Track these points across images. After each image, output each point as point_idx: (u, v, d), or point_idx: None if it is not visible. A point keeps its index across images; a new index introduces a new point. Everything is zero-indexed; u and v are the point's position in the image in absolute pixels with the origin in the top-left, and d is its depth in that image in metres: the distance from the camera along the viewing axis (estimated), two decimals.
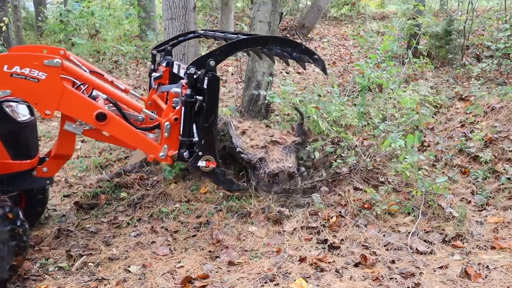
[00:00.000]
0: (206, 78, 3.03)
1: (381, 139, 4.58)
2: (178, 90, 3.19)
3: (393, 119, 5.10)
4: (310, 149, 4.41)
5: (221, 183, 3.41)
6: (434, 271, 3.02)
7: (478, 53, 8.12)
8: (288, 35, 11.60)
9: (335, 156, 4.40)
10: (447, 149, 4.86)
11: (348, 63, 9.13)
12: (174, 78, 3.86)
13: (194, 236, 3.72)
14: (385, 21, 12.96)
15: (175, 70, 3.85)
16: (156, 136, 3.36)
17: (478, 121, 5.16)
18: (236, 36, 3.48)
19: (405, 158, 3.93)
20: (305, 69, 4.04)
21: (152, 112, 3.67)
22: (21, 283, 3.09)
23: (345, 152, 4.41)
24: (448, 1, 11.76)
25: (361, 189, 4.13)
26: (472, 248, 3.33)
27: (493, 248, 3.30)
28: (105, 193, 4.44)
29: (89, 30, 10.35)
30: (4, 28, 8.77)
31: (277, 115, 5.87)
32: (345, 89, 6.79)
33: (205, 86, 3.05)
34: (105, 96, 3.34)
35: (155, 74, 3.96)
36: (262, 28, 5.32)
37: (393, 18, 9.39)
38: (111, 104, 3.29)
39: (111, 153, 5.62)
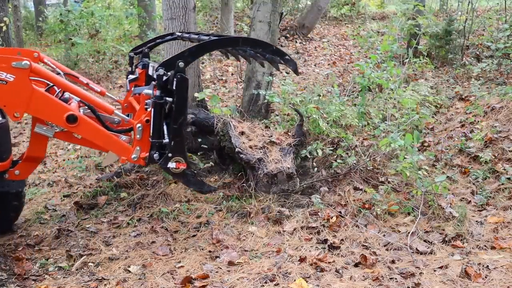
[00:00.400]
0: (175, 79, 3.02)
1: (381, 139, 4.58)
2: (150, 91, 3.18)
3: (393, 119, 5.10)
4: (311, 149, 4.41)
5: (192, 185, 3.38)
6: (434, 271, 3.01)
7: (478, 53, 8.12)
8: (288, 35, 11.60)
9: (335, 156, 4.40)
10: (447, 149, 4.86)
11: (348, 63, 9.13)
12: (150, 80, 3.85)
13: (194, 236, 3.72)
14: (385, 21, 12.96)
15: (150, 72, 3.84)
16: (129, 139, 3.35)
17: (478, 121, 5.16)
18: (208, 37, 3.47)
19: (405, 158, 3.93)
20: (278, 69, 4.03)
21: (128, 114, 3.68)
22: (21, 283, 3.09)
23: (345, 152, 4.41)
24: (448, 1, 11.76)
25: (361, 189, 4.13)
26: (472, 248, 3.33)
27: (493, 248, 3.30)
28: (105, 193, 4.44)
29: (89, 30, 10.34)
30: (4, 28, 8.76)
31: (277, 115, 5.87)
32: (345, 89, 6.79)
33: (174, 87, 3.04)
34: (78, 99, 3.30)
35: (131, 76, 3.96)
36: (262, 28, 5.33)
37: (393, 18, 9.39)
38: (86, 107, 3.27)
39: None
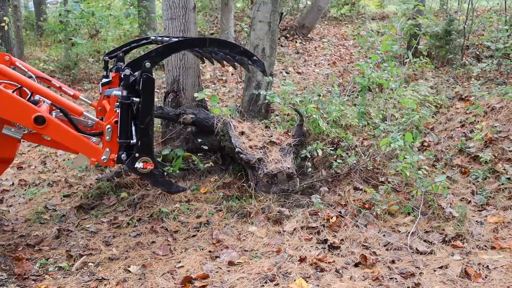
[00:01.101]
0: (141, 79, 3.02)
1: (381, 139, 4.58)
2: (119, 93, 3.18)
3: (393, 119, 5.10)
4: (311, 149, 4.41)
5: (160, 185, 3.36)
6: (434, 271, 3.01)
7: (478, 53, 8.12)
8: (288, 35, 11.61)
9: (335, 156, 4.40)
10: (447, 149, 4.86)
11: (348, 63, 9.14)
12: None
13: (194, 236, 3.72)
14: (385, 21, 12.96)
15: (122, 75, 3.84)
16: (99, 140, 3.33)
17: (478, 121, 5.16)
18: (176, 39, 3.46)
19: (405, 158, 3.93)
20: (248, 71, 4.04)
21: (102, 118, 3.68)
22: (21, 283, 3.09)
23: (345, 152, 4.41)
24: (448, 1, 11.76)
25: (361, 189, 4.13)
26: (472, 248, 3.33)
27: (493, 248, 3.30)
28: (105, 193, 4.44)
29: (89, 30, 10.35)
30: (6, 27, 8.76)
31: (277, 115, 5.87)
32: (345, 89, 6.79)
33: (140, 87, 3.04)
34: (50, 102, 3.29)
35: (104, 80, 3.96)
36: (262, 28, 5.33)
37: (392, 18, 9.39)
38: (59, 110, 3.26)
39: None
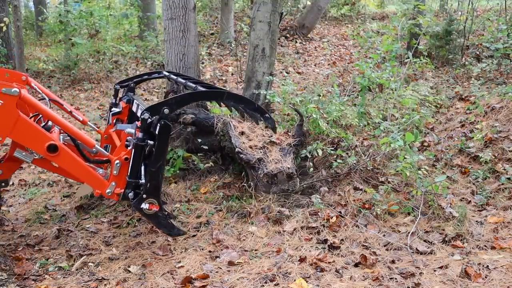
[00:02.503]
0: (158, 125, 3.13)
1: (381, 139, 4.58)
2: (132, 131, 3.28)
3: (393, 119, 5.10)
4: (311, 149, 4.41)
5: (162, 227, 3.43)
6: (434, 271, 3.02)
7: (478, 53, 8.12)
8: (288, 35, 11.61)
9: (335, 156, 4.40)
10: (447, 149, 4.86)
11: (348, 63, 9.14)
12: (133, 116, 3.97)
13: (194, 236, 3.72)
14: (385, 21, 12.96)
15: (133, 108, 3.92)
16: (105, 172, 3.41)
17: (478, 121, 5.16)
18: (194, 86, 3.60)
19: (405, 158, 3.94)
20: (257, 124, 4.22)
21: (106, 146, 3.79)
22: (21, 283, 3.09)
23: (345, 152, 4.40)
24: (448, 1, 11.76)
25: (361, 189, 4.13)
26: (472, 248, 3.33)
27: (493, 248, 3.30)
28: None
29: (89, 30, 10.35)
30: (4, 28, 8.76)
31: (277, 115, 5.86)
32: (345, 89, 6.79)
33: (157, 133, 3.14)
34: (58, 128, 3.37)
35: (114, 110, 4.06)
36: (262, 28, 5.32)
37: (392, 18, 9.39)
38: (66, 135, 3.33)
39: None
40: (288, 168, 4.09)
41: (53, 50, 11.50)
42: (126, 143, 3.28)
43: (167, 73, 4.45)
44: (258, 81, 5.43)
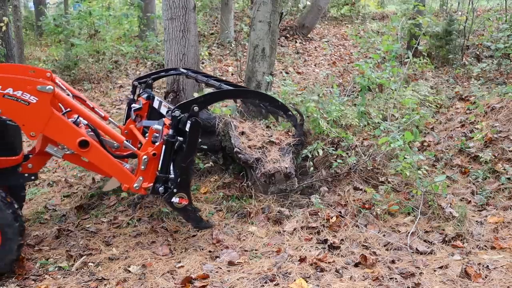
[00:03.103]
0: (189, 122, 3.25)
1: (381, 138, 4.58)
2: (160, 127, 3.41)
3: (394, 119, 5.10)
4: (311, 148, 4.40)
5: (191, 220, 3.57)
6: (434, 271, 3.02)
7: (478, 53, 8.12)
8: (288, 35, 11.61)
9: (335, 156, 4.40)
10: (447, 149, 4.86)
11: (348, 63, 9.14)
12: (153, 112, 4.10)
13: (194, 236, 3.72)
14: (385, 21, 12.97)
15: (155, 105, 4.04)
16: (132, 167, 3.50)
17: (478, 121, 5.16)
18: (218, 84, 3.75)
19: (404, 157, 3.93)
20: (277, 120, 4.37)
21: (127, 141, 3.86)
22: (21, 283, 3.09)
23: (345, 152, 4.40)
24: (448, 1, 11.76)
25: (361, 189, 4.13)
26: (472, 248, 3.33)
27: (493, 248, 3.30)
28: (105, 193, 4.44)
29: (88, 30, 10.35)
30: (4, 28, 8.76)
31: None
32: (345, 89, 6.79)
33: (187, 129, 3.26)
34: (85, 122, 3.47)
35: (135, 106, 4.18)
36: (262, 28, 5.32)
37: (391, 18, 9.39)
38: (90, 130, 3.42)
39: None
40: (286, 168, 4.08)
41: (53, 50, 11.49)
42: (153, 139, 3.39)
43: (184, 70, 4.57)
44: (258, 81, 5.43)
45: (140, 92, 4.37)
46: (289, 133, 4.67)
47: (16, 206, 3.09)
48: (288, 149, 4.33)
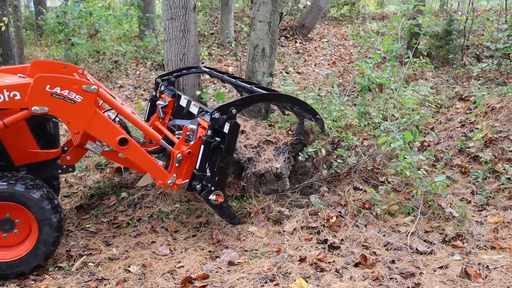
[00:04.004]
0: (228, 124, 3.41)
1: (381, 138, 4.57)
2: (194, 127, 3.60)
3: (393, 119, 5.09)
4: (312, 148, 4.40)
5: (225, 216, 3.73)
6: (434, 271, 3.02)
7: (478, 53, 8.12)
8: (288, 35, 11.60)
9: (335, 156, 4.39)
10: (447, 149, 4.86)
11: (348, 63, 9.13)
12: (179, 110, 4.22)
13: (194, 236, 3.72)
14: (385, 21, 12.96)
15: (182, 103, 4.15)
16: (164, 163, 3.64)
17: (478, 121, 5.16)
18: (250, 86, 3.96)
19: (404, 157, 3.93)
20: (302, 123, 4.50)
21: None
22: (21, 283, 3.09)
23: (345, 152, 4.40)
24: (448, 1, 11.76)
25: (361, 189, 4.13)
26: (472, 248, 3.33)
27: (493, 248, 3.30)
28: (105, 193, 4.44)
29: (88, 30, 10.35)
30: (3, 28, 8.76)
31: (277, 115, 5.86)
32: (345, 89, 6.79)
33: (225, 131, 3.41)
34: (117, 120, 3.73)
35: (160, 103, 4.31)
36: (262, 28, 5.32)
37: (391, 18, 9.39)
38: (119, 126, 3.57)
39: None
40: (277, 168, 4.07)
41: (53, 50, 11.49)
42: (187, 138, 3.53)
43: (207, 69, 4.74)
44: (258, 81, 5.43)
45: (163, 89, 4.47)
46: (289, 132, 4.67)
47: (56, 202, 3.19)
48: (284, 149, 4.31)
